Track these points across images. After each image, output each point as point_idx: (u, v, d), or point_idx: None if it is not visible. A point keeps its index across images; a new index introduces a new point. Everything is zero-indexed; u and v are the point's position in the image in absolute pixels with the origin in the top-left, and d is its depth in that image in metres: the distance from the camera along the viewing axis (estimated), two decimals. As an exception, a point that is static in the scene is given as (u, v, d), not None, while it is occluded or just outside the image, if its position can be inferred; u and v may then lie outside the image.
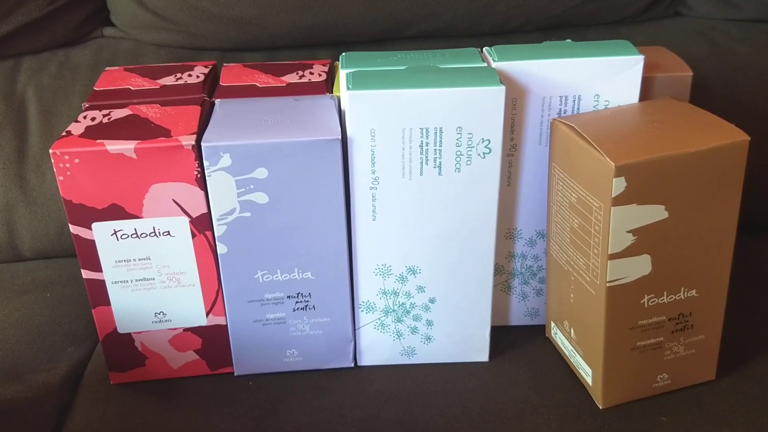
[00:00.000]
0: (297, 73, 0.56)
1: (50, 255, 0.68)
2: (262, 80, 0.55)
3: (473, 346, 0.54)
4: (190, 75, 0.55)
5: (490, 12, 0.67)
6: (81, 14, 0.69)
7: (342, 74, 0.48)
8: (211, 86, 0.55)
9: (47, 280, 0.65)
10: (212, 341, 0.51)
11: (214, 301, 0.50)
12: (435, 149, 0.47)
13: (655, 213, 0.44)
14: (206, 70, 0.56)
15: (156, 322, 0.50)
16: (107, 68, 0.57)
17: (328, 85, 0.54)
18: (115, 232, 0.47)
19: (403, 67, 0.48)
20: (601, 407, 0.49)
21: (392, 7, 0.66)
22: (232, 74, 0.56)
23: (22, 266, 0.67)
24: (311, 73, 0.56)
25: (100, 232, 0.47)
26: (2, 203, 0.66)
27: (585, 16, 0.69)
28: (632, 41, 0.70)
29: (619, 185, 0.43)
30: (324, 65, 0.58)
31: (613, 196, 0.43)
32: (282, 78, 0.55)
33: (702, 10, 0.72)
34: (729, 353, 0.53)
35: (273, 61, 0.70)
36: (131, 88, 0.53)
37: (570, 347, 0.52)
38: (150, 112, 0.49)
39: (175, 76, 0.55)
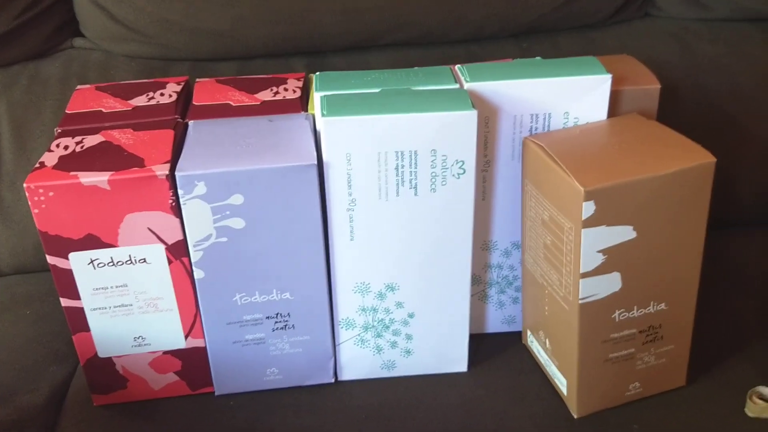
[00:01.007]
0: (271, 90, 0.56)
1: (28, 270, 0.68)
2: (236, 98, 0.55)
3: (452, 358, 0.55)
4: (162, 94, 0.55)
5: (464, 21, 0.67)
6: (50, 26, 0.68)
7: (316, 97, 0.48)
8: (184, 104, 0.55)
9: (27, 297, 0.65)
10: (192, 363, 0.52)
11: (192, 325, 0.50)
12: (410, 171, 0.47)
13: (624, 233, 0.45)
14: (178, 88, 0.56)
15: (135, 346, 0.50)
16: (78, 87, 0.57)
17: (302, 102, 0.54)
18: (92, 261, 0.47)
19: (376, 90, 0.48)
20: (575, 416, 0.51)
21: (366, 18, 0.66)
22: (205, 91, 0.56)
23: (1, 282, 0.67)
24: (285, 89, 0.56)
25: (77, 262, 0.47)
26: (-23, 221, 0.66)
27: (556, 21, 0.70)
28: (603, 45, 0.71)
29: (588, 208, 0.43)
30: (298, 80, 0.58)
31: (583, 218, 0.44)
32: (256, 95, 0.55)
33: (672, 11, 0.73)
34: (698, 357, 0.54)
35: (246, 70, 0.69)
36: (103, 110, 0.53)
37: (546, 357, 0.54)
38: (123, 138, 0.49)
39: (147, 95, 0.55)
